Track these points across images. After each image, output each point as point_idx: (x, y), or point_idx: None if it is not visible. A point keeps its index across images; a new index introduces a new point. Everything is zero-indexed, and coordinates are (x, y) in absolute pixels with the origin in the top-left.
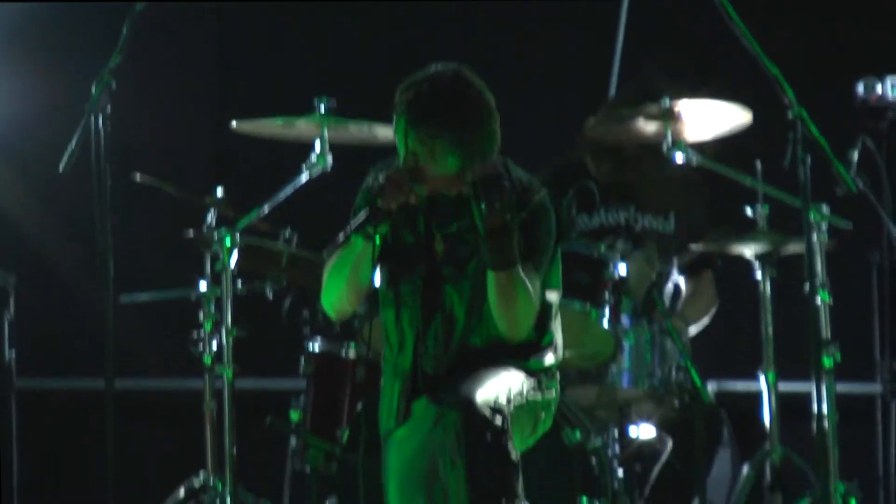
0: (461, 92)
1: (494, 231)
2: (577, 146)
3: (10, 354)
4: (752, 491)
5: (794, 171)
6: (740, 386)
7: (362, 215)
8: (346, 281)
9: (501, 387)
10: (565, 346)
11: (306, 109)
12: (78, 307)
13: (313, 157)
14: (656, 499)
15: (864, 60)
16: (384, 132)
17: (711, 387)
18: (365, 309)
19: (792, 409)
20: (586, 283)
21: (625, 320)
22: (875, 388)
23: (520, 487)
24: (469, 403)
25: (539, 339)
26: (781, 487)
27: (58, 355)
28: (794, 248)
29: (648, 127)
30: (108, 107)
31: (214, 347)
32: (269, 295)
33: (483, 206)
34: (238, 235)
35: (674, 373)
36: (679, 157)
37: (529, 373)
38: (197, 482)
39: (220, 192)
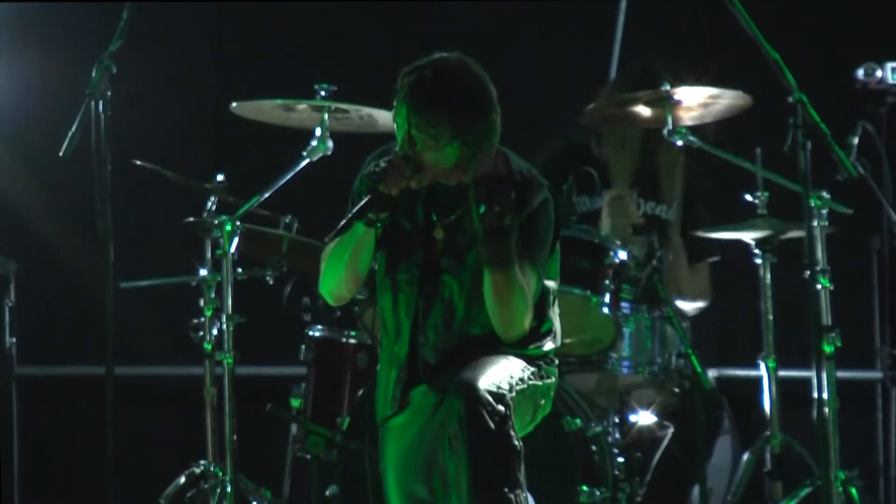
0: (464, 80)
1: (492, 232)
2: (581, 129)
3: (10, 341)
4: (753, 477)
5: (795, 157)
6: (741, 372)
7: (364, 201)
8: (345, 266)
9: (503, 373)
10: (565, 333)
11: (307, 96)
12: (78, 294)
13: (313, 142)
14: (657, 485)
15: (865, 46)
16: (384, 119)
17: (712, 373)
18: (366, 295)
19: (792, 395)
20: (586, 269)
21: (625, 307)
22: (875, 374)
23: (522, 475)
24: (472, 390)
25: (538, 325)
26: (782, 474)
27: (58, 342)
28: (794, 233)
29: (649, 112)
30: (109, 91)
31: (215, 334)
32: (270, 281)
33: (482, 207)
34: (238, 221)
35: (674, 359)
36: (679, 143)
37: (529, 360)
38: (197, 469)
39: (220, 178)
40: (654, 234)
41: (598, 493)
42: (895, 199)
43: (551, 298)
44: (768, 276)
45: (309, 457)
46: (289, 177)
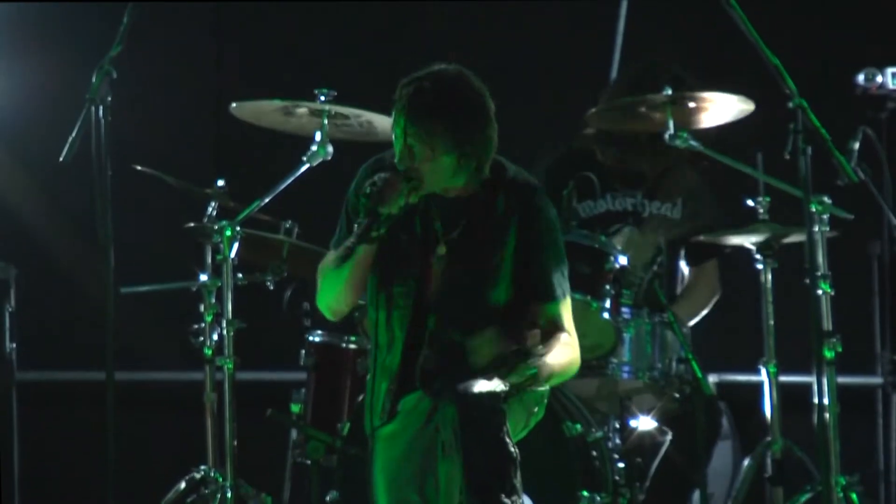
0: (463, 92)
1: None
2: (584, 133)
3: (10, 346)
4: (753, 483)
5: (795, 162)
6: (741, 378)
7: (364, 224)
8: (344, 282)
9: (497, 380)
10: None
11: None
12: (78, 299)
13: (313, 148)
14: (657, 491)
15: (865, 51)
16: (383, 126)
17: (712, 378)
18: (366, 300)
19: (793, 400)
20: (587, 274)
21: (625, 312)
22: (876, 379)
23: (518, 480)
24: (465, 397)
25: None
26: (782, 479)
27: (58, 347)
28: (795, 238)
29: (651, 116)
30: (109, 97)
31: (215, 339)
32: (270, 286)
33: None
34: (238, 227)
35: (674, 365)
36: (680, 146)
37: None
38: (198, 474)
39: (220, 183)
40: (660, 234)
41: (598, 498)
42: None
43: None
44: (769, 280)
45: (309, 462)
46: (289, 182)
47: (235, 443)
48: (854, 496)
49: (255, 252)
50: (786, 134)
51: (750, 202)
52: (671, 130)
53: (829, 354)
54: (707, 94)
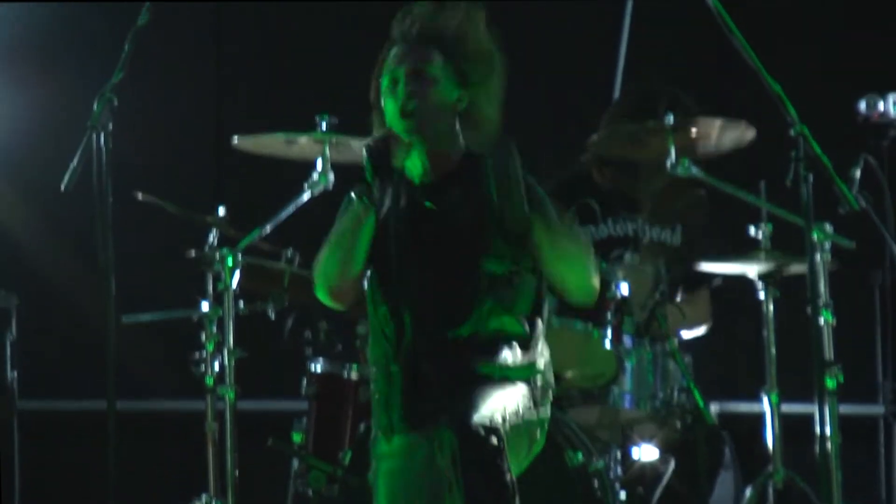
0: (470, 30)
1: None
2: (583, 158)
3: (11, 375)
4: None
5: (797, 190)
6: (743, 407)
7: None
8: (344, 250)
9: (497, 406)
10: (567, 367)
11: (308, 128)
12: (80, 328)
13: (315, 176)
14: None
15: (867, 78)
16: None
17: (714, 408)
18: (366, 329)
19: (795, 430)
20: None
21: (627, 341)
22: (878, 409)
23: None
24: (464, 423)
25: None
26: None
27: (60, 376)
28: (798, 267)
29: (652, 142)
30: (110, 124)
31: (216, 368)
32: (271, 315)
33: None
34: (240, 255)
35: (676, 394)
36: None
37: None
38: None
39: (221, 211)
40: (660, 261)
41: None
42: None
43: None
44: (771, 309)
45: (310, 492)
46: (290, 210)
47: (237, 472)
48: None
49: (257, 281)
50: (787, 161)
51: (752, 230)
52: (672, 157)
53: (830, 384)
54: (708, 121)
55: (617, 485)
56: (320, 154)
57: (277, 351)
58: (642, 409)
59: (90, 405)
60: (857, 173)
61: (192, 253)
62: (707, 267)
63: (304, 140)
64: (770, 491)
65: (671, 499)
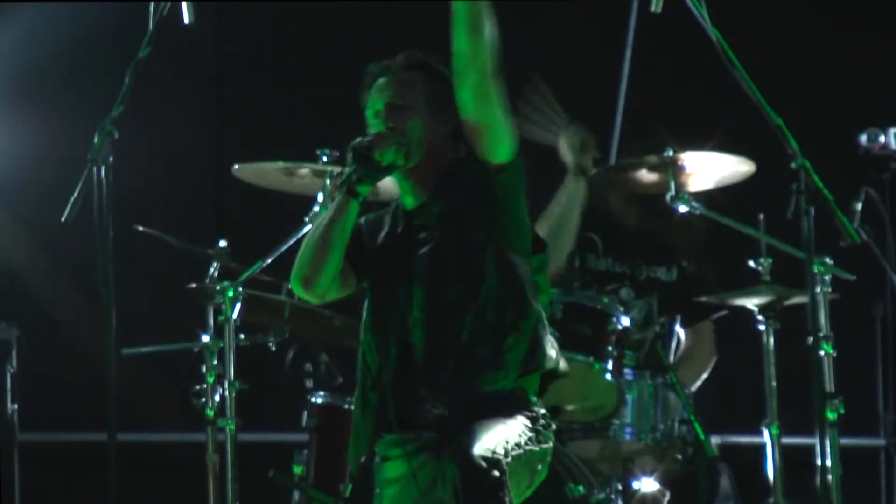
0: (432, 63)
1: None
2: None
3: (12, 407)
4: None
5: (798, 223)
6: (744, 439)
7: (351, 169)
8: (322, 237)
9: (499, 438)
10: (568, 400)
11: (309, 159)
12: (80, 360)
13: (315, 208)
14: None
15: (868, 111)
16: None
17: (715, 440)
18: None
19: (796, 462)
20: (589, 336)
21: (628, 373)
22: (879, 441)
23: None
24: (466, 455)
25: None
26: None
27: (60, 408)
28: (798, 299)
29: (652, 178)
30: (111, 157)
31: (217, 400)
32: (272, 347)
33: None
34: (240, 287)
35: (677, 426)
36: (682, 208)
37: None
38: None
39: (222, 243)
40: (653, 298)
41: None
42: None
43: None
44: (771, 342)
45: None
46: (291, 242)
47: None
48: None
49: (257, 313)
50: (788, 194)
51: (752, 263)
52: (672, 192)
53: (831, 416)
54: (708, 155)
55: None
56: (321, 188)
57: (278, 383)
58: (643, 441)
59: (91, 437)
60: (859, 206)
61: (193, 285)
62: (707, 300)
63: (304, 172)
64: None
65: None
